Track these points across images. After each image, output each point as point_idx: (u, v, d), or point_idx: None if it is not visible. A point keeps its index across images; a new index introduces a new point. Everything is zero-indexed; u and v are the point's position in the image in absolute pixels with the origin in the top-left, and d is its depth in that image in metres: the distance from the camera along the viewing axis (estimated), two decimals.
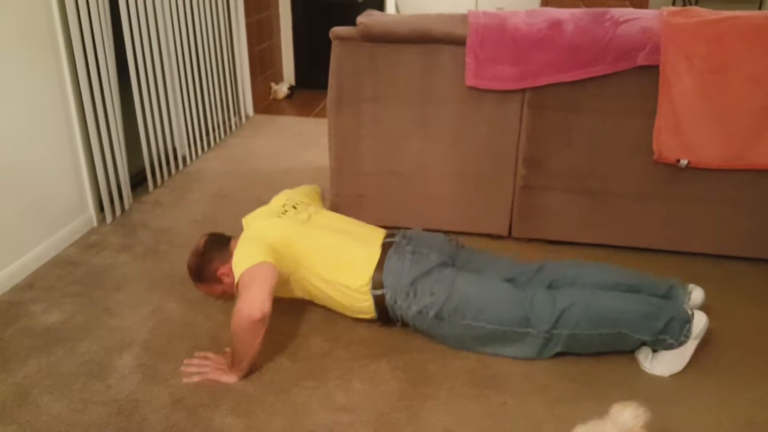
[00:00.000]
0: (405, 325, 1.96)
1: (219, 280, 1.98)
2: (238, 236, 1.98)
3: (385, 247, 1.95)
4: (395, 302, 1.88)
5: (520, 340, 1.83)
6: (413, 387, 1.78)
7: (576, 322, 1.77)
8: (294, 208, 2.08)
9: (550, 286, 1.93)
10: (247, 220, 2.10)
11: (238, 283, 1.76)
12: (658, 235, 2.40)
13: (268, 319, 1.72)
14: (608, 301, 1.80)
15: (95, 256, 2.45)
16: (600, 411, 1.69)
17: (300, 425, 1.64)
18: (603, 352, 1.87)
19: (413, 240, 1.98)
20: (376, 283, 1.88)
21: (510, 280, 1.92)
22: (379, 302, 1.90)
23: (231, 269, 1.89)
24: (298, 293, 2.01)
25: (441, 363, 1.87)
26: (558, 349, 1.84)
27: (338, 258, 1.92)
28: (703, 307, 1.92)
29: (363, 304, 1.92)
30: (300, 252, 1.92)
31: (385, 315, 1.93)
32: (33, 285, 2.26)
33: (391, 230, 2.08)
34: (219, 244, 2.00)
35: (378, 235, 2.03)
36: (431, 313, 1.83)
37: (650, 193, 2.33)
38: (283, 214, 2.04)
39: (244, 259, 1.79)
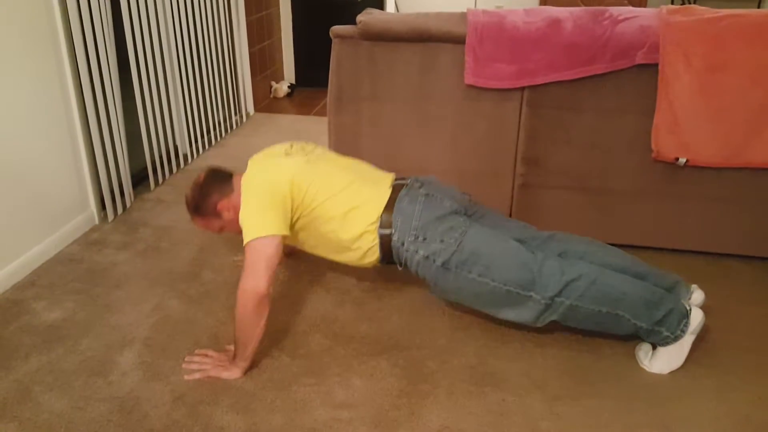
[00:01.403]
0: (406, 268, 1.91)
1: (218, 215, 1.95)
2: (241, 173, 1.93)
3: (396, 188, 1.91)
4: (402, 244, 1.84)
5: (520, 303, 1.80)
6: (412, 384, 1.79)
7: (580, 294, 1.75)
8: (302, 149, 2.01)
9: (559, 256, 1.90)
10: (253, 160, 1.97)
11: (246, 249, 1.74)
12: (656, 233, 2.41)
13: (271, 298, 1.73)
14: (615, 280, 1.78)
15: (97, 254, 2.46)
16: (599, 408, 1.70)
17: (299, 422, 1.65)
18: (595, 330, 1.86)
19: (426, 184, 1.93)
20: (385, 223, 1.84)
21: (520, 242, 1.88)
22: (385, 242, 1.86)
23: (232, 204, 1.88)
24: (301, 237, 1.95)
25: (440, 360, 1.88)
26: (554, 318, 1.81)
27: (349, 198, 1.87)
28: (701, 307, 1.92)
29: (368, 246, 1.88)
30: (309, 192, 1.86)
31: (388, 256, 1.89)
32: (34, 282, 2.27)
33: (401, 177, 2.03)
34: (220, 178, 1.96)
35: (387, 176, 1.99)
36: (438, 261, 1.80)
37: (648, 191, 2.33)
38: (290, 154, 1.96)
39: (256, 221, 1.76)
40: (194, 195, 1.97)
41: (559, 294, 1.76)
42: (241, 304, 1.72)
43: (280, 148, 2.00)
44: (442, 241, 1.80)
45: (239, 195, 1.86)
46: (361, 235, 1.87)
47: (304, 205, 1.87)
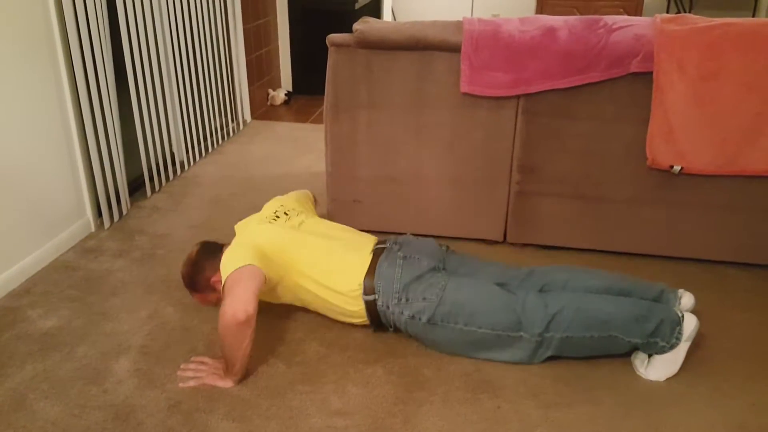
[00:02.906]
0: (398, 330, 1.97)
1: (213, 288, 1.99)
2: (230, 243, 1.99)
3: (377, 253, 1.96)
4: (387, 308, 1.89)
5: (512, 345, 1.84)
6: (408, 392, 1.79)
7: (567, 325, 1.78)
8: (285, 214, 2.10)
9: (541, 290, 1.94)
10: (239, 227, 2.11)
11: (224, 285, 1.78)
12: (651, 241, 2.41)
13: (254, 321, 1.73)
14: (598, 304, 1.81)
15: (93, 261, 2.46)
16: (594, 415, 1.70)
17: (295, 429, 1.65)
18: (596, 356, 1.88)
19: (404, 246, 1.99)
20: (368, 289, 1.89)
21: (500, 285, 1.93)
22: (371, 308, 1.91)
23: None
24: (288, 299, 2.02)
25: (435, 368, 1.88)
26: (550, 353, 1.85)
27: (329, 263, 1.93)
28: (694, 313, 1.93)
29: (354, 309, 1.93)
30: (291, 257, 1.93)
31: (377, 320, 1.94)
32: (30, 290, 2.26)
33: (382, 237, 2.09)
34: (211, 253, 2.01)
35: (369, 241, 2.04)
36: (423, 318, 1.84)
37: (643, 198, 2.34)
38: (274, 220, 2.06)
39: (230, 262, 1.81)
40: (188, 272, 2.02)
41: (547, 329, 1.79)
42: (221, 330, 1.73)
43: (265, 215, 2.10)
44: (424, 299, 1.85)
45: None
46: (345, 301, 1.93)
47: (285, 270, 1.92)
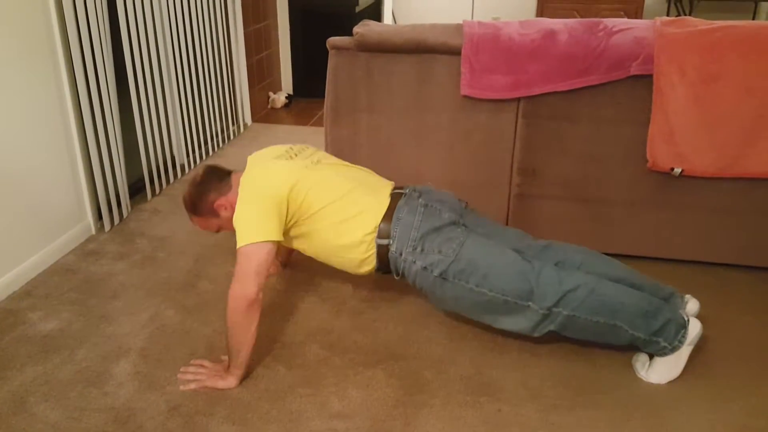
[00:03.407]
0: (403, 278, 1.91)
1: (216, 213, 1.94)
2: (240, 171, 1.93)
3: (394, 197, 1.91)
4: (400, 254, 1.84)
5: (518, 313, 1.80)
6: (408, 394, 1.78)
7: (577, 304, 1.75)
8: (302, 152, 2.00)
9: (556, 265, 1.89)
10: (252, 159, 1.96)
11: (238, 253, 1.74)
12: (651, 243, 2.41)
13: (260, 303, 1.74)
14: (612, 291, 1.78)
15: (93, 264, 2.46)
16: (595, 418, 1.70)
17: None
18: (593, 341, 1.86)
19: (425, 194, 1.93)
20: (383, 233, 1.84)
21: (517, 251, 1.88)
22: (382, 252, 1.86)
23: (229, 203, 1.88)
24: (297, 243, 1.95)
25: (436, 370, 1.88)
26: (552, 328, 1.81)
27: (347, 205, 1.87)
28: (696, 316, 1.92)
29: (365, 255, 1.88)
30: (307, 199, 1.85)
31: (385, 266, 1.90)
32: (30, 293, 2.27)
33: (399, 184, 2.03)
34: (218, 176, 1.95)
35: (386, 184, 1.99)
36: (436, 272, 1.80)
37: (644, 201, 2.34)
38: (291, 157, 1.95)
39: (249, 225, 1.76)
40: (191, 193, 1.96)
41: (556, 304, 1.76)
42: (231, 310, 1.72)
43: (280, 149, 1.99)
44: (440, 251, 1.81)
45: (237, 193, 1.86)
46: (358, 244, 1.88)
47: (301, 212, 1.87)
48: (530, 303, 1.77)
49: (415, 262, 1.83)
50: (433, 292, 1.87)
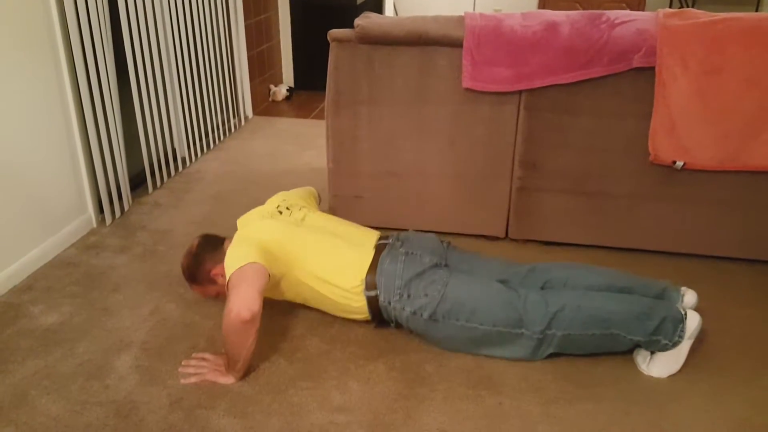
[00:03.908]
0: (399, 326, 1.96)
1: (213, 281, 1.99)
2: (232, 237, 1.99)
3: (379, 249, 1.96)
4: (389, 303, 1.89)
5: (513, 342, 1.84)
6: (409, 388, 1.79)
7: (568, 323, 1.78)
8: (288, 209, 2.09)
9: (542, 288, 1.94)
10: (241, 221, 2.10)
11: (228, 283, 1.77)
12: (653, 236, 2.41)
13: (259, 319, 1.73)
14: (600, 302, 1.81)
15: (94, 257, 2.46)
16: (595, 411, 1.70)
17: (297, 426, 1.65)
18: (598, 353, 1.88)
19: (406, 242, 1.99)
20: (369, 285, 1.89)
21: (502, 282, 1.93)
22: (373, 303, 1.91)
23: (224, 270, 1.90)
24: (290, 296, 2.01)
25: (437, 364, 1.88)
26: (551, 350, 1.84)
27: (331, 259, 1.93)
28: (696, 309, 1.92)
29: (356, 305, 1.93)
30: (293, 253, 1.93)
31: (378, 316, 1.94)
32: (32, 286, 2.27)
33: (385, 233, 2.09)
34: (212, 245, 2.01)
35: (371, 237, 2.04)
36: (425, 315, 1.84)
37: (646, 194, 2.34)
38: (277, 215, 2.05)
39: (234, 260, 1.80)
40: (188, 264, 2.02)
41: (548, 326, 1.79)
42: (225, 328, 1.73)
43: (268, 209, 2.09)
44: (426, 295, 1.85)
45: None
46: (347, 297, 1.92)
47: (288, 267, 1.92)
48: (523, 330, 1.81)
49: (404, 308, 1.87)
50: (426, 334, 1.91)
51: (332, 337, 2.00)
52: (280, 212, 2.07)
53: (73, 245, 2.55)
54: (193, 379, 1.80)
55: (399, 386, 1.79)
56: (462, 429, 1.64)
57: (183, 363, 1.87)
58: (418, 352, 1.93)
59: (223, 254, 1.93)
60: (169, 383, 1.80)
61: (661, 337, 1.78)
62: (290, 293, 2.00)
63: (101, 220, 2.74)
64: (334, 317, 2.07)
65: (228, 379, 1.80)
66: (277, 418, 1.67)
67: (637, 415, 1.69)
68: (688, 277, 2.28)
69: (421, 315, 1.85)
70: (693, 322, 1.80)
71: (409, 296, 1.86)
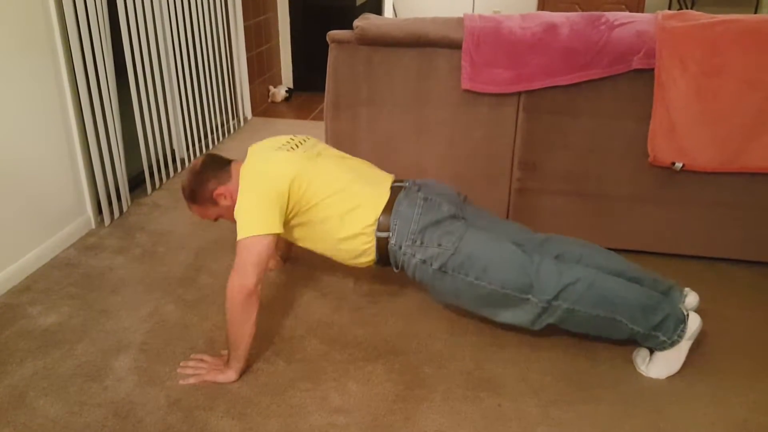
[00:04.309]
0: (402, 270, 1.91)
1: (215, 202, 1.93)
2: (240, 161, 1.92)
3: (395, 190, 1.91)
4: (399, 248, 1.84)
5: (517, 306, 1.80)
6: (408, 389, 1.78)
7: (577, 298, 1.75)
8: (302, 142, 1.99)
9: (555, 258, 1.89)
10: (253, 149, 1.96)
11: (238, 243, 1.74)
12: (652, 238, 2.41)
13: (259, 295, 1.74)
14: (612, 284, 1.78)
15: (93, 258, 2.45)
16: (595, 413, 1.70)
17: (295, 427, 1.64)
18: (592, 335, 1.86)
19: (424, 187, 1.93)
20: (382, 226, 1.84)
21: (516, 245, 1.88)
22: (382, 245, 1.86)
23: (229, 192, 1.88)
24: (298, 234, 1.95)
25: (436, 365, 1.88)
26: (551, 321, 1.81)
27: (346, 196, 1.87)
28: (696, 310, 1.92)
29: (364, 246, 1.88)
30: (308, 191, 1.85)
31: (384, 258, 1.89)
32: (30, 287, 2.26)
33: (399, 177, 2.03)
34: (218, 164, 1.94)
35: (387, 177, 1.99)
36: (435, 265, 1.80)
37: (645, 195, 2.34)
38: (292, 148, 1.94)
39: (250, 218, 1.75)
40: (191, 181, 1.94)
41: (556, 297, 1.76)
42: (230, 301, 1.73)
43: (281, 140, 1.98)
44: (439, 245, 1.80)
45: (237, 183, 1.85)
46: (357, 236, 1.87)
47: (302, 203, 1.86)
48: (530, 296, 1.77)
49: (414, 255, 1.83)
50: (432, 285, 1.87)
51: (331, 338, 1.99)
52: (297, 145, 1.96)
53: (71, 246, 2.55)
54: (191, 380, 1.80)
55: (398, 388, 1.79)
56: (461, 431, 1.64)
57: (181, 364, 1.86)
58: (417, 354, 1.92)
59: (229, 175, 1.90)
60: (167, 384, 1.79)
61: (660, 334, 1.77)
62: (298, 231, 1.94)
63: (100, 221, 2.74)
64: (334, 318, 2.06)
65: (227, 377, 1.79)
66: (275, 420, 1.67)
67: (636, 417, 1.69)
68: (687, 278, 2.28)
69: (431, 264, 1.81)
70: (694, 323, 1.79)
71: (422, 243, 1.81)
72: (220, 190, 1.91)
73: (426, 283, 1.89)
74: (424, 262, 1.82)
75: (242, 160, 1.93)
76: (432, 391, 1.78)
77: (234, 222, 1.83)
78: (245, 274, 1.71)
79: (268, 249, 1.75)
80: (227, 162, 1.96)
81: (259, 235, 1.74)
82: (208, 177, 1.92)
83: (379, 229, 1.85)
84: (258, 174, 1.83)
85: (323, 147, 2.02)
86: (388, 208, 1.86)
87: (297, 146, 1.95)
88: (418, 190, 1.91)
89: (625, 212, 2.38)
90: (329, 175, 1.89)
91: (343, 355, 1.92)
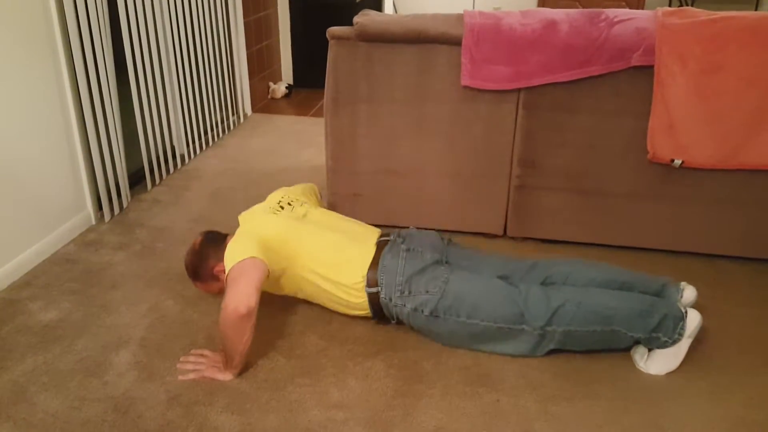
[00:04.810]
0: (400, 322, 1.97)
1: (216, 278, 2.00)
2: (233, 234, 2.00)
3: (380, 245, 1.96)
4: (390, 300, 1.89)
5: (514, 337, 1.84)
6: (407, 385, 1.79)
7: (570, 319, 1.78)
8: (290, 204, 2.10)
9: (543, 283, 1.94)
10: (243, 216, 2.10)
11: (226, 277, 1.78)
12: (651, 235, 2.41)
13: (255, 314, 1.73)
14: (601, 298, 1.81)
15: (93, 254, 2.46)
16: (593, 409, 1.70)
17: (294, 422, 1.65)
18: (598, 349, 1.88)
19: (407, 238, 1.99)
20: (371, 281, 1.89)
21: (503, 278, 1.93)
22: (374, 300, 1.91)
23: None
24: (290, 290, 2.02)
25: (435, 361, 1.88)
26: (552, 346, 1.85)
27: (333, 256, 1.93)
28: (695, 306, 1.93)
29: (357, 301, 1.94)
30: (295, 249, 1.93)
31: (379, 312, 1.95)
32: (30, 283, 2.27)
33: (386, 230, 2.09)
34: (215, 242, 2.01)
35: (373, 233, 2.05)
36: (426, 311, 1.85)
37: (644, 192, 2.34)
38: (279, 210, 2.06)
39: (234, 254, 1.81)
40: (192, 261, 2.03)
41: (549, 322, 1.79)
42: (222, 322, 1.74)
43: (269, 204, 2.10)
44: (427, 291, 1.85)
45: None
46: (348, 292, 1.93)
47: (289, 262, 1.92)
48: (523, 326, 1.81)
49: (405, 305, 1.88)
50: (428, 330, 1.92)
51: (330, 334, 2.00)
52: (282, 207, 2.08)
53: (72, 242, 2.55)
54: (191, 376, 1.80)
55: (397, 383, 1.79)
56: (459, 426, 1.65)
57: (181, 359, 1.87)
58: (416, 350, 1.93)
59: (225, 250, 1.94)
60: (167, 380, 1.80)
61: (661, 335, 1.78)
62: (290, 288, 2.01)
63: (100, 217, 2.74)
64: (333, 314, 2.07)
65: (226, 376, 1.80)
66: (275, 415, 1.67)
67: (634, 413, 1.69)
68: (686, 275, 2.28)
69: (422, 311, 1.85)
70: (693, 320, 1.80)
71: (410, 293, 1.86)
72: (219, 266, 1.96)
73: (422, 329, 1.94)
74: (415, 309, 1.87)
75: (234, 231, 2.01)
76: (431, 387, 1.78)
77: None
78: (236, 296, 1.71)
79: (256, 270, 1.77)
80: (223, 237, 2.04)
81: (246, 259, 1.78)
82: (208, 255, 2.00)
83: (368, 285, 1.90)
84: (244, 232, 1.96)
85: (308, 207, 2.12)
86: (375, 263, 1.91)
87: (282, 209, 2.07)
88: (402, 242, 1.97)
89: (624, 209, 2.39)
90: (315, 235, 1.97)
91: (342, 351, 1.92)
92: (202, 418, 1.66)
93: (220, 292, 2.05)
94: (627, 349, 1.90)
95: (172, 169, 3.25)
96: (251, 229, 1.97)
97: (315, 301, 2.04)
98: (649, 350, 1.85)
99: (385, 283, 1.89)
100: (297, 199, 2.14)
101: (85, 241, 2.56)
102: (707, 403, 1.73)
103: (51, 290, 2.22)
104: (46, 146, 2.41)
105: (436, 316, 1.85)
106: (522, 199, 2.46)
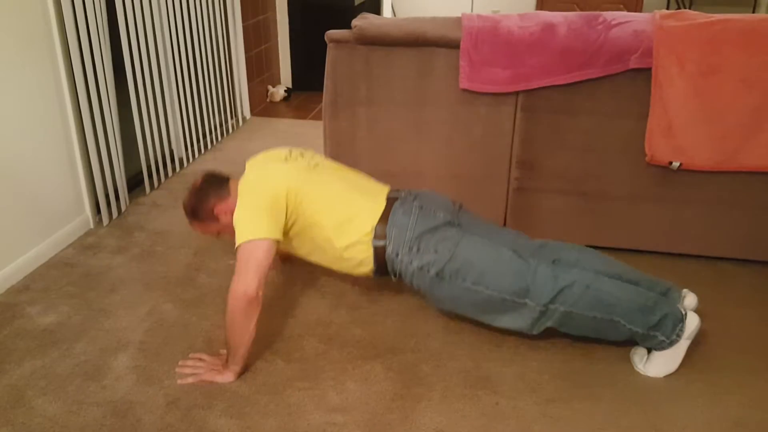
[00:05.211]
0: (401, 279, 1.92)
1: (215, 219, 1.95)
2: (238, 177, 1.94)
3: (391, 200, 1.93)
4: (396, 255, 1.85)
5: (515, 311, 1.81)
6: (406, 388, 1.79)
7: (574, 301, 1.76)
8: (301, 155, 2.01)
9: (552, 263, 1.90)
10: (251, 163, 1.98)
11: (237, 249, 1.75)
12: (650, 237, 2.41)
13: (261, 301, 1.74)
14: (609, 286, 1.79)
15: (92, 258, 2.46)
16: (592, 411, 1.70)
17: (293, 426, 1.65)
18: (591, 337, 1.87)
19: (419, 197, 1.95)
20: (379, 234, 1.86)
21: (512, 250, 1.88)
22: (379, 254, 1.87)
23: (229, 208, 1.89)
24: (294, 245, 1.97)
25: (434, 364, 1.88)
26: (549, 324, 1.82)
27: (343, 206, 1.89)
28: (695, 311, 1.93)
29: (362, 256, 1.89)
30: (303, 199, 1.87)
31: (382, 267, 1.91)
32: (29, 286, 2.27)
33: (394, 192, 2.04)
34: (217, 182, 1.97)
35: (383, 188, 2.01)
36: (432, 271, 1.82)
37: (643, 195, 2.34)
38: (289, 158, 1.97)
39: (248, 223, 1.77)
40: (191, 199, 1.98)
41: (553, 301, 1.77)
42: (231, 307, 1.73)
43: (279, 153, 2.00)
44: (436, 251, 1.82)
45: (236, 198, 1.86)
46: (355, 245, 1.88)
47: (299, 213, 1.87)
48: (527, 300, 1.78)
49: (411, 262, 1.84)
50: (430, 292, 1.88)
51: (330, 337, 2.00)
52: (292, 159, 1.98)
53: (70, 246, 2.55)
54: (190, 380, 1.80)
55: (396, 386, 1.79)
56: (459, 429, 1.65)
57: (180, 363, 1.87)
58: (415, 352, 1.93)
59: (228, 192, 1.92)
60: (166, 383, 1.79)
61: (659, 333, 1.78)
62: (295, 243, 1.96)
63: (99, 220, 2.74)
64: (332, 317, 2.07)
65: (226, 378, 1.79)
66: (274, 419, 1.67)
67: (633, 415, 1.69)
68: (685, 277, 2.28)
69: (428, 271, 1.82)
70: (692, 323, 1.80)
71: (418, 250, 1.83)
72: (221, 206, 1.93)
73: (424, 291, 1.90)
74: (421, 268, 1.83)
75: (239, 176, 1.94)
76: (430, 390, 1.78)
77: (234, 237, 1.84)
78: (246, 280, 1.72)
79: (267, 253, 1.76)
80: (226, 179, 1.99)
81: (257, 239, 1.75)
82: (209, 194, 1.95)
83: (376, 238, 1.87)
84: (254, 185, 1.86)
85: (320, 159, 2.04)
86: (384, 217, 1.88)
87: (293, 159, 1.97)
88: (414, 200, 1.93)
89: (623, 211, 2.39)
90: (326, 185, 1.91)
91: (341, 354, 1.92)
92: (200, 422, 1.66)
93: (218, 234, 2.02)
94: (625, 350, 1.90)
95: (170, 173, 3.25)
96: (260, 181, 1.86)
97: (317, 258, 1.98)
98: (648, 352, 1.85)
99: (394, 237, 1.85)
100: (306, 151, 2.05)
101: (83, 244, 2.56)
102: (706, 405, 1.73)
103: (49, 294, 2.22)
104: (45, 150, 2.41)
105: (441, 278, 1.82)
106: (521, 202, 2.46)
